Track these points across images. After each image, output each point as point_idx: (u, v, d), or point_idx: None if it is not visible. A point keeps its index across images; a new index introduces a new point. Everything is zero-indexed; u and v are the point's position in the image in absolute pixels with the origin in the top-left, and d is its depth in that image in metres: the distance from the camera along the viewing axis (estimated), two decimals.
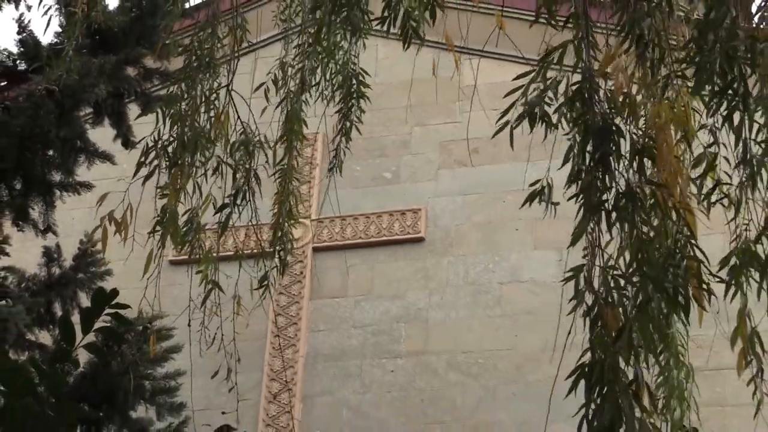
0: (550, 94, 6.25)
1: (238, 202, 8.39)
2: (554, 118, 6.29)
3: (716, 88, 5.87)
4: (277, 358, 14.16)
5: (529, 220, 13.80)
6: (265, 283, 8.91)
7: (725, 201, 6.45)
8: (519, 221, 14.15)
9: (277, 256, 8.95)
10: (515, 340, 13.61)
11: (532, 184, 6.39)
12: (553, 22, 6.38)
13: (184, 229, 8.47)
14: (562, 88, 6.17)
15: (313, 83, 8.80)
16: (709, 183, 6.55)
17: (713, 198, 6.47)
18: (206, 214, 8.74)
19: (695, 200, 6.43)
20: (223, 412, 11.73)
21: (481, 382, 13.69)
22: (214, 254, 8.78)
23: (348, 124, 8.77)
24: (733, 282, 6.05)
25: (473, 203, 14.86)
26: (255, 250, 9.36)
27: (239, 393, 9.54)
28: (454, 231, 14.83)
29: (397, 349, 14.20)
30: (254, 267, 9.41)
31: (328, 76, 8.85)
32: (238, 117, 8.38)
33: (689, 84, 6.11)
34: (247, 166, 8.42)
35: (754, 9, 5.99)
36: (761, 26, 5.88)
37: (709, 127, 6.22)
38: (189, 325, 9.12)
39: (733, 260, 6.05)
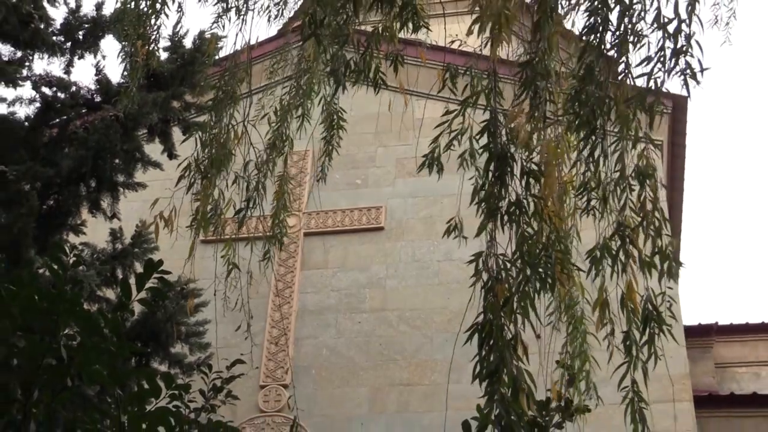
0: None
1: (251, 205, 8.39)
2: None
3: (587, 132, 5.98)
4: (277, 312, 14.17)
5: (459, 216, 13.84)
6: (267, 256, 8.90)
7: (594, 212, 6.50)
8: (452, 216, 14.20)
9: (276, 237, 8.94)
10: (447, 302, 13.67)
11: (447, 221, 6.45)
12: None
13: (211, 216, 8.46)
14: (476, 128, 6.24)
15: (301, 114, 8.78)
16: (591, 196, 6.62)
17: (587, 209, 6.51)
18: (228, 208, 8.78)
19: (574, 210, 6.50)
20: (243, 354, 11.70)
21: (422, 331, 13.75)
22: (233, 238, 8.78)
23: (330, 147, 8.78)
24: (593, 267, 6.14)
25: (419, 203, 14.92)
26: (262, 234, 9.35)
27: (250, 337, 9.53)
28: (405, 223, 14.89)
29: (362, 307, 14.24)
30: (263, 246, 9.42)
31: (319, 110, 8.86)
32: (250, 142, 8.38)
33: (570, 127, 6.20)
34: (257, 177, 8.42)
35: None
36: (622, 83, 5.95)
37: (581, 160, 6.27)
38: (215, 294, 9.12)
39: (596, 252, 6.12)
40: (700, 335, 17.79)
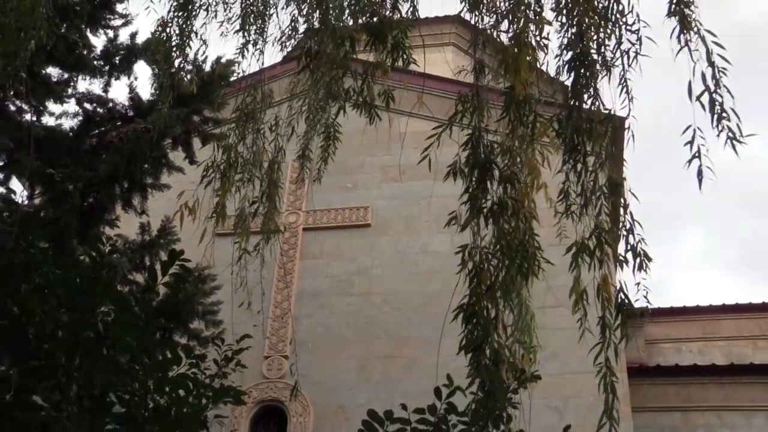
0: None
1: (262, 200, 8.35)
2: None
3: (569, 148, 5.99)
4: (279, 294, 14.17)
5: (433, 215, 13.90)
6: (262, 244, 8.81)
7: (573, 215, 6.44)
8: (428, 215, 14.26)
9: (271, 232, 8.85)
10: (423, 288, 13.69)
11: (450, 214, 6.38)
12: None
13: (234, 215, 8.39)
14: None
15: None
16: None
17: (567, 212, 6.45)
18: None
19: (552, 213, 6.41)
20: (255, 325, 11.70)
21: (402, 312, 13.76)
22: (241, 231, 8.71)
23: (326, 154, 8.75)
24: (572, 261, 6.10)
25: (401, 204, 14.93)
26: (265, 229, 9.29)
27: (262, 309, 9.51)
28: (389, 221, 14.90)
29: (352, 290, 14.24)
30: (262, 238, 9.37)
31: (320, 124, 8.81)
32: (264, 148, 8.34)
33: (552, 142, 6.18)
34: (267, 179, 8.37)
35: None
36: (598, 109, 6.00)
37: (564, 171, 6.22)
38: (232, 273, 9.06)
39: (574, 248, 6.09)
40: (633, 316, 18.00)
